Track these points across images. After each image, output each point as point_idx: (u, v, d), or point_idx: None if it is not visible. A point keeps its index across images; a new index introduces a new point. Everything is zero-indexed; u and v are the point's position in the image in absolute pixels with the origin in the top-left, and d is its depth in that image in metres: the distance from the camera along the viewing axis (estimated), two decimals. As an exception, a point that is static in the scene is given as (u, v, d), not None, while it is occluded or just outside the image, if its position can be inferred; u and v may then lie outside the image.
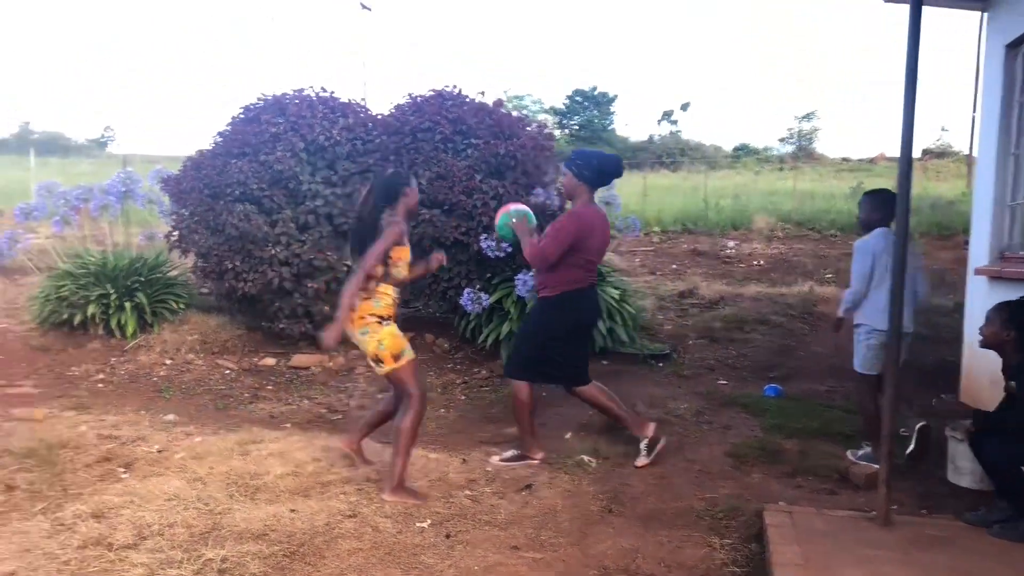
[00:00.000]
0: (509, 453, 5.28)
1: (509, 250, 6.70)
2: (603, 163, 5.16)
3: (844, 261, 14.40)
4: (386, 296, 4.75)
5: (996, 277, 5.79)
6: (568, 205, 5.77)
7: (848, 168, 36.67)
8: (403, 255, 4.79)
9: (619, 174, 5.33)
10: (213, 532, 4.04)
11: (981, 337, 4.45)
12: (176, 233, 7.98)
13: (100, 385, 7.08)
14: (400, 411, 4.66)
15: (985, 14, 6.60)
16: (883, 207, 5.22)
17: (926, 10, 3.98)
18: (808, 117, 55.48)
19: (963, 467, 4.84)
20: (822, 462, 5.18)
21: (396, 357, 4.66)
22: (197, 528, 4.08)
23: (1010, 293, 5.56)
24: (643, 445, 5.16)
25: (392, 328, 4.69)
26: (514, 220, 5.25)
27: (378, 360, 4.63)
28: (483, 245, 6.71)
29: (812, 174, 33.56)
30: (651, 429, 5.22)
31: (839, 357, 8.20)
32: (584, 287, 5.19)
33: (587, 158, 5.17)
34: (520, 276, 6.63)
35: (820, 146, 52.72)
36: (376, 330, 4.63)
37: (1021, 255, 5.72)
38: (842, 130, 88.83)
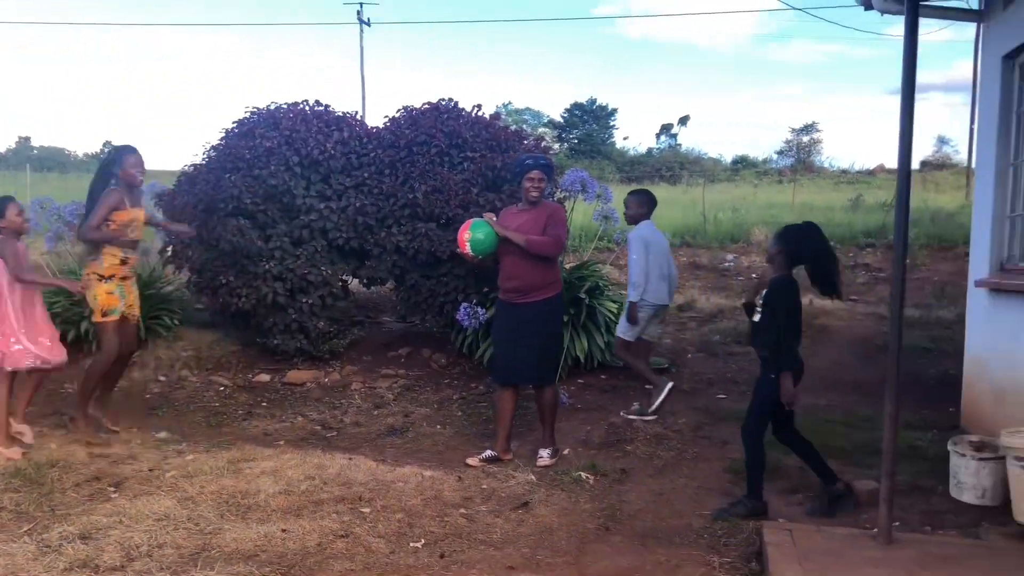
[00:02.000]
0: (487, 453, 5.55)
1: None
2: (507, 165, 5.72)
3: (844, 273, 14.34)
4: (110, 256, 5.66)
5: (996, 289, 5.73)
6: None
7: (847, 180, 36.69)
8: (124, 217, 5.64)
9: (523, 172, 5.59)
10: (203, 553, 3.98)
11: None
12: (170, 248, 7.93)
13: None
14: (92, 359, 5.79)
15: (982, 25, 6.57)
16: (647, 203, 6.62)
17: (923, 21, 3.94)
18: (807, 129, 55.60)
19: (965, 482, 4.77)
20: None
21: (104, 313, 5.64)
22: (187, 549, 4.01)
23: (1011, 305, 5.51)
24: (549, 451, 5.55)
25: (109, 286, 5.64)
26: (491, 228, 5.45)
27: (92, 312, 5.66)
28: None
29: (811, 186, 33.57)
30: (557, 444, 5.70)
31: (838, 371, 8.15)
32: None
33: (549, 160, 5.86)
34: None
35: (820, 158, 52.79)
36: (93, 285, 5.63)
37: (1021, 267, 5.66)
38: (842, 142, 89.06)
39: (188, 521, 4.32)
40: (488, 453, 5.53)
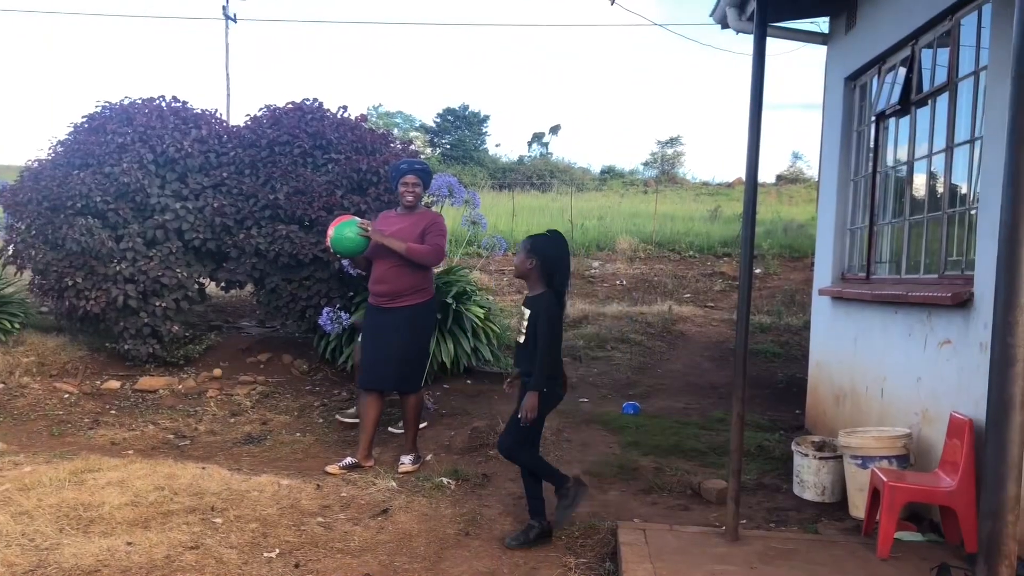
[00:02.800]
0: (347, 460, 5.46)
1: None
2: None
3: (702, 281, 14.92)
4: None
5: (838, 297, 6.07)
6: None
7: (707, 192, 38.13)
8: None
9: (398, 176, 5.63)
10: (38, 570, 3.74)
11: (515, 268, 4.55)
12: (11, 248, 7.45)
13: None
14: None
15: (825, 47, 6.95)
16: None
17: (781, 43, 4.13)
18: (672, 142, 57.48)
19: (807, 481, 5.02)
20: (676, 478, 5.27)
21: None
22: (20, 566, 3.76)
23: (850, 312, 5.84)
24: (411, 458, 5.51)
25: None
26: (360, 224, 5.36)
27: None
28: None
29: (674, 197, 34.70)
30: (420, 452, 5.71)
31: (695, 374, 8.46)
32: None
33: (429, 170, 5.79)
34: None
35: (684, 170, 54.64)
36: None
37: (860, 276, 6.02)
38: (705, 155, 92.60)
39: (22, 537, 4.05)
40: (348, 460, 5.44)
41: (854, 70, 6.14)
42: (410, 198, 5.54)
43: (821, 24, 7.07)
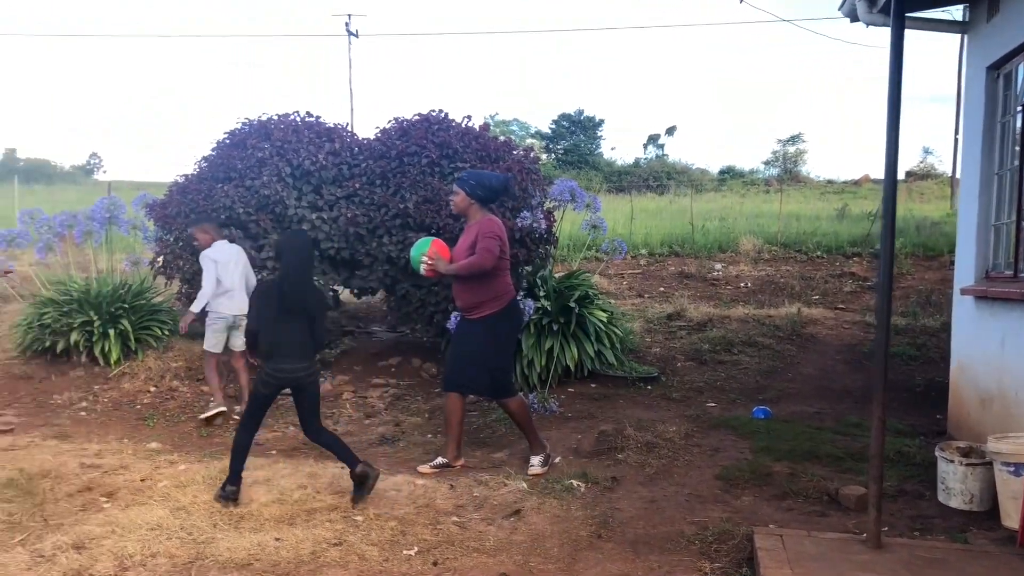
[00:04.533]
0: (438, 460, 5.57)
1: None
2: (494, 182, 5.56)
3: (831, 282, 14.46)
4: None
5: (982, 296, 5.80)
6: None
7: (833, 190, 36.91)
8: None
9: (508, 191, 5.80)
10: (196, 562, 3.98)
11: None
12: (161, 259, 7.93)
13: (83, 413, 7.00)
14: None
15: (966, 37, 6.66)
16: (214, 230, 6.93)
17: (908, 33, 4.00)
18: (793, 140, 55.91)
19: (953, 488, 4.81)
20: (812, 484, 5.14)
21: None
22: (180, 558, 4.01)
23: (996, 312, 5.58)
24: (539, 459, 5.52)
25: None
26: (429, 255, 5.51)
27: None
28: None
29: (798, 196, 33.75)
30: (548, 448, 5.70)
31: (827, 378, 8.22)
32: (515, 293, 5.67)
33: (480, 178, 5.55)
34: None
35: (807, 168, 53.09)
36: None
37: (1006, 274, 5.73)
38: (828, 153, 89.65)
39: (181, 530, 4.32)
40: (439, 460, 5.55)
41: (997, 58, 5.86)
42: (452, 208, 5.71)
43: (955, 13, 6.80)
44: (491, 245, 5.33)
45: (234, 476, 4.75)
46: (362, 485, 4.72)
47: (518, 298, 5.89)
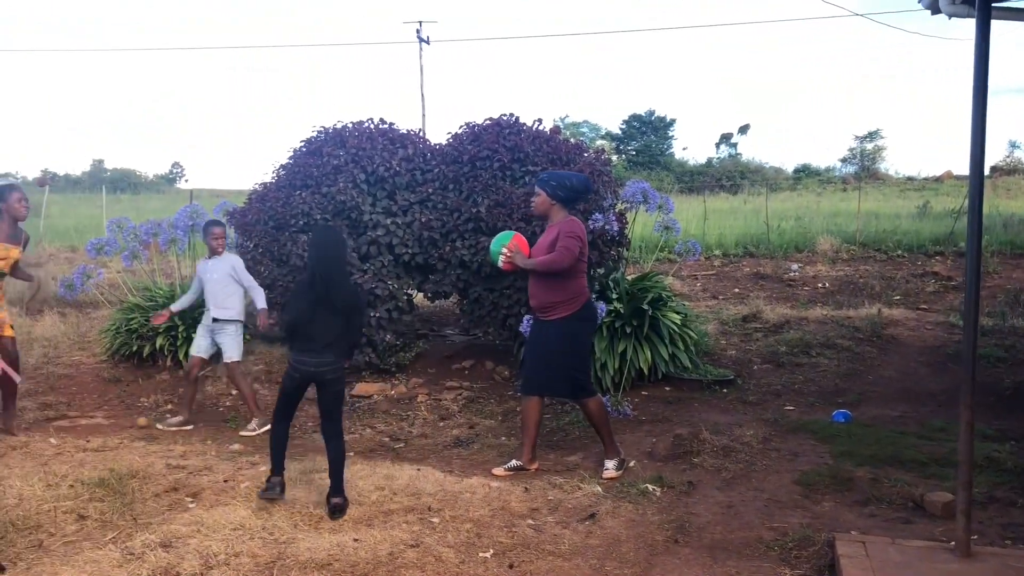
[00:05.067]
0: (512, 463, 5.60)
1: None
2: (575, 183, 5.54)
3: (912, 282, 14.07)
4: None
5: (1076, 296, 5.58)
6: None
7: (914, 187, 35.94)
8: (7, 254, 6.30)
9: (589, 192, 5.77)
10: (278, 562, 4.07)
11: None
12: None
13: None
14: None
15: (1055, 26, 6.42)
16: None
17: (995, 24, 3.88)
18: (871, 136, 54.56)
19: (1047, 495, 4.63)
20: (896, 490, 5.00)
21: None
22: (262, 558, 4.11)
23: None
24: (614, 463, 5.51)
25: None
26: (509, 248, 5.53)
27: None
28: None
29: (876, 194, 32.95)
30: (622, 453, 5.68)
31: (910, 381, 7.99)
32: (590, 295, 5.67)
33: (561, 179, 5.53)
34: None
35: (885, 165, 51.75)
36: None
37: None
38: (908, 149, 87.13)
39: (263, 531, 4.42)
40: (513, 463, 5.56)
41: (1089, 49, 5.62)
42: (532, 209, 5.72)
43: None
44: (571, 244, 5.32)
45: (275, 467, 4.86)
46: (334, 510, 4.67)
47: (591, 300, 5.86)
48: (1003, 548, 4.14)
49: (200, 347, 6.96)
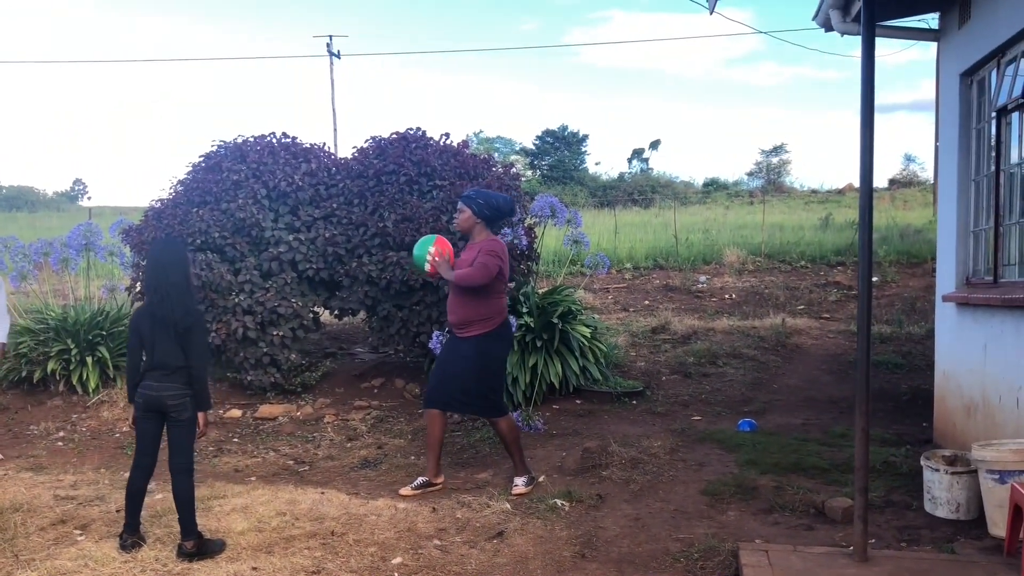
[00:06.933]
0: (419, 481, 5.50)
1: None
2: (501, 203, 5.52)
3: (815, 292, 14.47)
4: None
5: (963, 303, 5.78)
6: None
7: (817, 200, 37.09)
8: None
9: (513, 213, 5.75)
10: (170, 595, 3.88)
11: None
12: (138, 285, 7.83)
13: (60, 443, 6.88)
14: None
15: (940, 44, 6.67)
16: None
17: (886, 42, 3.99)
18: (776, 151, 56.22)
19: (939, 497, 4.77)
20: (798, 497, 5.08)
21: None
22: (154, 591, 3.91)
23: (978, 318, 5.55)
24: (524, 479, 5.46)
25: None
26: (435, 253, 5.42)
27: None
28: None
29: (781, 207, 33.88)
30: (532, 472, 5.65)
31: (813, 389, 8.18)
32: (507, 316, 5.62)
33: (488, 197, 5.49)
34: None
35: (791, 178, 53.38)
36: None
37: (987, 280, 5.71)
38: (812, 163, 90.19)
39: (155, 562, 4.22)
40: (420, 480, 5.48)
41: (970, 65, 5.87)
42: (455, 225, 5.66)
43: (931, 20, 6.81)
44: (490, 262, 5.27)
45: (129, 523, 4.45)
46: (183, 553, 4.28)
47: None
48: (899, 551, 4.23)
49: None
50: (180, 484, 4.40)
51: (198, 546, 4.31)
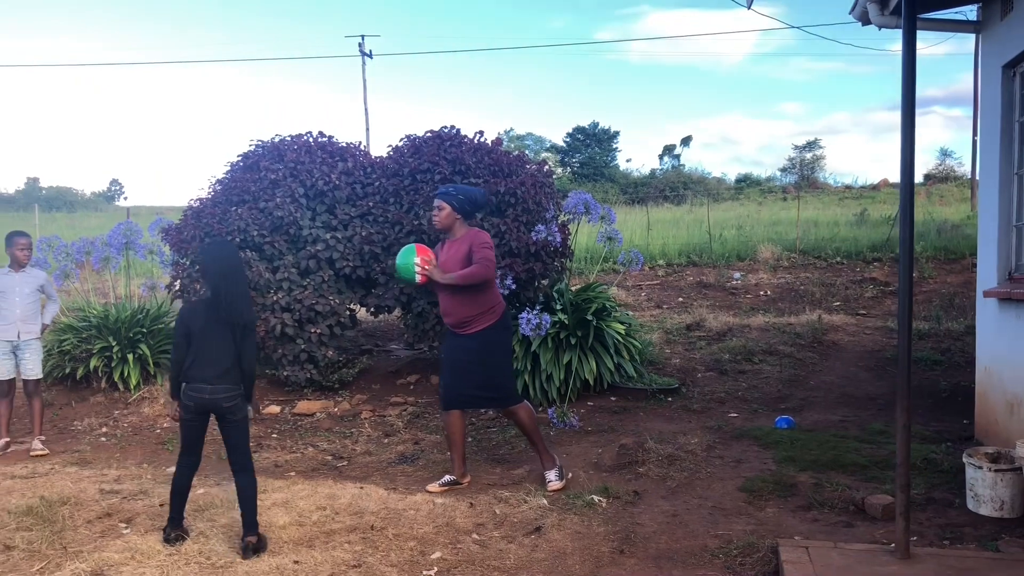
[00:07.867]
0: (446, 478, 5.53)
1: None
2: (478, 196, 5.53)
3: (851, 288, 14.32)
4: None
5: (1006, 298, 5.70)
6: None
7: (852, 196, 36.73)
8: None
9: (488, 205, 5.74)
10: (215, 587, 3.95)
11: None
12: (177, 283, 7.95)
13: (103, 439, 7.01)
14: None
15: (980, 36, 6.59)
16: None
17: (922, 35, 3.95)
18: (810, 147, 55.70)
19: (982, 495, 4.71)
20: (837, 494, 5.05)
21: None
22: (199, 583, 3.98)
23: (1021, 314, 5.48)
24: (554, 472, 5.44)
25: None
26: (418, 261, 5.32)
27: None
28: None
29: (815, 202, 33.59)
30: (558, 460, 5.60)
31: (850, 386, 8.11)
32: (505, 304, 5.60)
33: (466, 192, 5.47)
34: (523, 315, 6.58)
35: (825, 174, 52.88)
36: None
37: (1030, 276, 5.63)
38: (846, 158, 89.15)
39: (199, 555, 4.29)
40: (447, 478, 5.50)
41: (1013, 57, 5.78)
42: (435, 222, 5.51)
43: (968, 12, 6.72)
44: (489, 255, 5.25)
45: (173, 518, 4.51)
46: (247, 549, 4.31)
47: (514, 311, 5.80)
48: (941, 548, 4.19)
49: (7, 369, 6.75)
50: (243, 481, 4.46)
51: (259, 542, 4.37)
